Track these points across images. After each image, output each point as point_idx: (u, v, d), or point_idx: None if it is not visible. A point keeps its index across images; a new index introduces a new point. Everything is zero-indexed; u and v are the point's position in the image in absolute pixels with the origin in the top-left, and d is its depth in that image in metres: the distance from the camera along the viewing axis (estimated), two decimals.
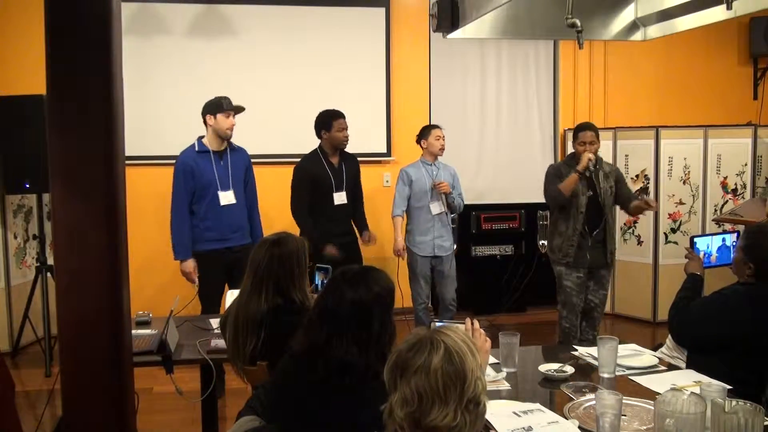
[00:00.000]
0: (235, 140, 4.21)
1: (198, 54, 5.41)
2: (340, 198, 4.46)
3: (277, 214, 4.92)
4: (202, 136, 4.13)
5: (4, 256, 4.83)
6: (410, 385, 1.41)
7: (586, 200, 4.24)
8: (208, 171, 4.05)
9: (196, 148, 4.09)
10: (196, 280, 4.06)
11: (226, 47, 5.45)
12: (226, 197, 4.08)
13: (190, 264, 4.05)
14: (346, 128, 4.43)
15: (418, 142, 4.73)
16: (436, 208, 4.64)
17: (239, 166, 4.17)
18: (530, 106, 6.14)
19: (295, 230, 4.39)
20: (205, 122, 4.11)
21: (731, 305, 2.58)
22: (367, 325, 1.85)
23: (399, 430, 1.43)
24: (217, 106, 4.06)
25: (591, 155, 4.17)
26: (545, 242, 6.04)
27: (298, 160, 4.61)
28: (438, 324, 2.34)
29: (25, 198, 5.01)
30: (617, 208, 4.55)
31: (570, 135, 5.99)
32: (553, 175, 4.32)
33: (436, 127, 4.67)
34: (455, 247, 4.88)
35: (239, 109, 4.13)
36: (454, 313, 4.75)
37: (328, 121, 4.41)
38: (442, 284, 4.74)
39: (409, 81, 5.79)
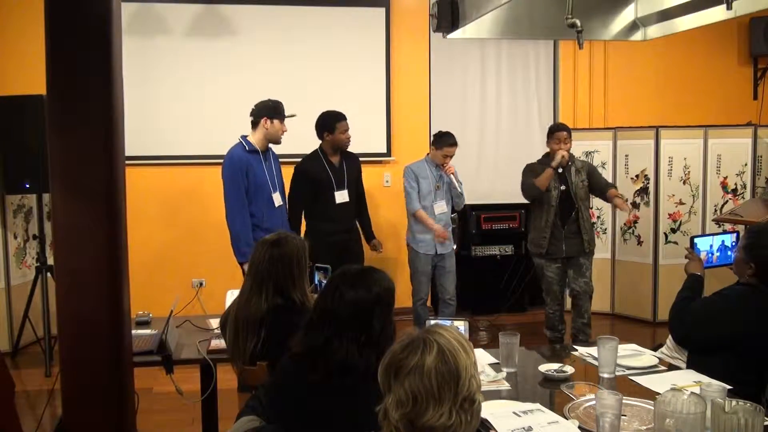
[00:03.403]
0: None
1: (198, 54, 5.41)
2: (341, 197, 4.48)
3: None
4: (245, 135, 4.07)
5: (4, 256, 4.83)
6: (404, 387, 1.41)
7: (557, 194, 4.54)
8: (260, 171, 4.02)
9: (246, 147, 4.02)
10: None
11: (226, 47, 5.45)
12: (277, 198, 4.09)
13: None
14: (348, 130, 4.46)
15: (432, 144, 4.75)
16: (440, 207, 4.72)
17: (279, 169, 4.21)
18: (530, 106, 6.13)
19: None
20: (254, 123, 4.05)
21: (732, 306, 2.58)
22: (367, 325, 1.85)
23: (394, 431, 1.43)
24: (276, 111, 4.05)
25: (565, 152, 4.50)
26: None
27: (298, 159, 4.62)
28: (432, 323, 2.34)
29: (25, 198, 5.00)
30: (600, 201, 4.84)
31: None
32: (528, 171, 4.67)
33: (450, 145, 4.63)
34: (455, 246, 4.92)
35: (291, 116, 4.17)
36: (453, 308, 4.78)
37: (332, 123, 4.42)
38: (443, 279, 4.80)
39: (409, 81, 5.78)
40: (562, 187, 4.54)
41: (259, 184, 4.00)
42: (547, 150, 4.66)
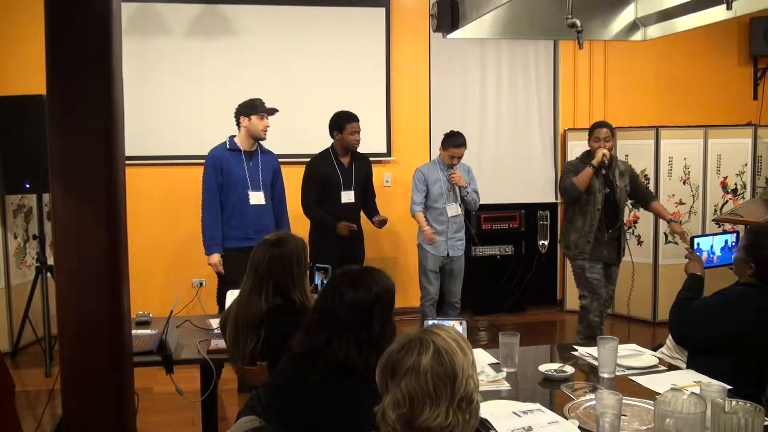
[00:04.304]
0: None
1: (198, 54, 5.41)
2: (347, 197, 4.53)
3: None
4: (233, 136, 4.19)
5: (4, 256, 4.83)
6: (401, 387, 1.41)
7: (602, 197, 4.37)
8: (238, 169, 4.11)
9: (228, 146, 4.15)
10: (222, 272, 4.13)
11: (226, 47, 5.45)
12: (256, 197, 4.15)
13: (215, 257, 4.12)
14: (358, 131, 4.51)
15: (441, 144, 4.71)
16: (453, 210, 4.67)
17: (268, 169, 4.24)
18: (530, 106, 6.13)
19: (298, 229, 4.42)
20: (238, 123, 4.17)
21: (732, 305, 2.58)
22: (367, 325, 1.85)
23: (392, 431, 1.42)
24: (252, 108, 4.12)
25: (605, 151, 4.32)
26: (545, 242, 6.05)
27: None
28: (430, 322, 2.35)
29: (25, 198, 5.00)
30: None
31: (570, 135, 6.02)
32: (568, 171, 4.46)
33: (456, 146, 4.58)
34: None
35: (272, 111, 4.20)
36: (458, 311, 4.77)
37: (342, 123, 4.47)
38: (449, 282, 4.76)
39: (409, 81, 5.78)
40: (607, 190, 4.38)
41: (234, 181, 4.10)
42: (588, 149, 4.50)
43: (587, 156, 4.47)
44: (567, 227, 4.55)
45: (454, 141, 4.60)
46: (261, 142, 4.23)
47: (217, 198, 4.10)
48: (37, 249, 4.79)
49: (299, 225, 4.51)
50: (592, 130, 4.44)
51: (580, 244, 4.42)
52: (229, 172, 4.10)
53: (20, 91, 4.55)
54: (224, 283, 4.11)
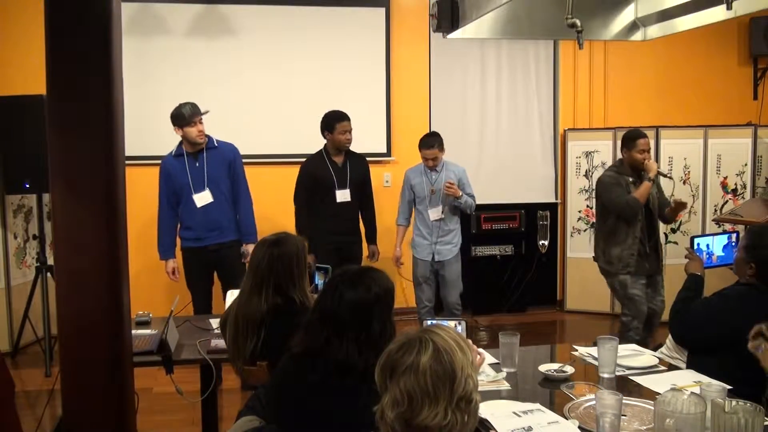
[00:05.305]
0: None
1: (198, 54, 5.41)
2: (342, 196, 4.51)
3: (275, 213, 4.92)
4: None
5: (4, 256, 4.83)
6: (400, 386, 1.40)
7: (643, 208, 4.18)
8: (182, 174, 4.17)
9: (174, 152, 4.24)
10: (176, 278, 4.27)
11: (226, 47, 5.45)
12: (201, 198, 4.17)
13: (169, 264, 4.25)
14: (349, 131, 4.48)
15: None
16: (435, 213, 4.55)
17: (218, 164, 4.23)
18: (530, 106, 6.13)
19: (292, 228, 4.43)
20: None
21: (732, 306, 2.58)
22: (366, 325, 1.85)
23: (391, 431, 1.42)
24: (179, 119, 4.13)
25: (655, 162, 4.14)
26: (545, 242, 6.05)
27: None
28: (429, 323, 2.34)
29: (25, 198, 5.00)
30: None
31: (570, 135, 6.02)
32: (614, 184, 4.20)
33: (427, 147, 4.49)
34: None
35: (202, 114, 4.20)
36: (458, 315, 4.74)
37: (332, 123, 4.46)
38: (444, 289, 4.67)
39: (409, 81, 5.78)
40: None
41: (178, 186, 4.18)
42: (620, 158, 4.33)
43: (621, 165, 4.27)
44: (607, 241, 4.27)
45: (422, 143, 4.52)
46: (214, 137, 4.26)
47: (164, 206, 4.23)
48: (37, 249, 4.78)
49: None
50: (632, 139, 4.16)
51: (624, 257, 4.18)
52: (175, 178, 4.18)
53: (20, 91, 4.55)
54: (187, 282, 4.26)
